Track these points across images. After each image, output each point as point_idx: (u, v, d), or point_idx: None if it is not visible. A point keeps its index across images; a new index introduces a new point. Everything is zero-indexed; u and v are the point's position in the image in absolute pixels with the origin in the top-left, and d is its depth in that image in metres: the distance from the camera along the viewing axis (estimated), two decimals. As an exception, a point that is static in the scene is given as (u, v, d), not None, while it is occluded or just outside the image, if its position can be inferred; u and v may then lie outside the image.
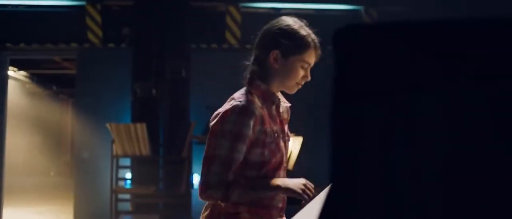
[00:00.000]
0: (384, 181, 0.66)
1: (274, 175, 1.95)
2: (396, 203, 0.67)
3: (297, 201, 1.93)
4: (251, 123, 1.86)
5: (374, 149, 0.67)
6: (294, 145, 5.65)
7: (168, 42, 6.29)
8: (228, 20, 6.79)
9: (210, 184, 1.83)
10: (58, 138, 14.34)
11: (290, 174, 5.85)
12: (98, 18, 6.76)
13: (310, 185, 1.94)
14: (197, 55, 6.66)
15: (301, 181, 1.93)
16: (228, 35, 6.81)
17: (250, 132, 1.86)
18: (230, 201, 1.85)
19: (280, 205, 2.01)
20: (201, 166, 1.88)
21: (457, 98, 0.68)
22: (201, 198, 1.88)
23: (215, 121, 1.89)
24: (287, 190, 1.91)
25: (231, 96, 1.95)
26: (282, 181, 1.93)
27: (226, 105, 1.91)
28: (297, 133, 5.70)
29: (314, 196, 1.94)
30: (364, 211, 0.67)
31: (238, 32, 6.72)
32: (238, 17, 6.75)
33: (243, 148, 1.86)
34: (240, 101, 1.87)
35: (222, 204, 1.90)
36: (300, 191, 1.89)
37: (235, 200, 1.86)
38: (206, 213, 1.98)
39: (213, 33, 6.90)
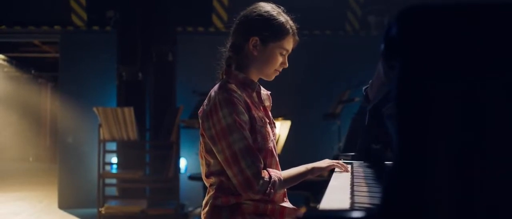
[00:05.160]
0: (450, 163, 0.65)
1: (271, 161, 1.95)
2: (464, 186, 0.66)
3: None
4: (242, 109, 1.84)
5: (441, 132, 0.66)
6: (282, 129, 5.64)
7: (154, 26, 6.21)
8: (215, 3, 6.72)
9: (253, 179, 1.79)
10: (37, 123, 14.13)
11: (278, 158, 5.79)
12: (82, 0, 6.64)
13: (336, 161, 2.00)
14: (184, 39, 6.59)
15: (326, 160, 1.99)
16: (214, 19, 6.75)
17: (247, 117, 1.85)
18: (274, 192, 1.85)
19: (282, 190, 2.01)
20: (227, 167, 1.84)
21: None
22: (248, 195, 1.82)
23: (209, 124, 1.85)
24: (314, 170, 1.94)
25: (209, 94, 1.92)
26: (309, 165, 1.97)
27: (210, 104, 1.87)
28: (285, 117, 5.70)
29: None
30: (432, 193, 0.66)
31: (225, 16, 6.67)
32: (225, 0, 6.69)
33: (249, 134, 1.85)
34: (222, 94, 1.85)
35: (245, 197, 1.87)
36: (328, 164, 1.94)
37: (276, 191, 1.87)
38: (207, 208, 1.94)
39: (200, 16, 6.83)
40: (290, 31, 1.96)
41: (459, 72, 0.67)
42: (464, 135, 0.67)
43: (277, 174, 1.86)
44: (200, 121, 1.92)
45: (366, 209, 0.74)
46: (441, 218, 0.66)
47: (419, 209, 0.66)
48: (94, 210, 5.71)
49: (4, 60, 11.32)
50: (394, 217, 0.66)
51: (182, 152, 5.91)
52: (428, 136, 0.67)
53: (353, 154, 2.49)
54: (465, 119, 0.67)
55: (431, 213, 0.65)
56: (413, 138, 0.68)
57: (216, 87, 1.92)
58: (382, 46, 0.86)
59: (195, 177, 5.80)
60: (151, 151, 6.19)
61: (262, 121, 1.92)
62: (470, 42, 0.67)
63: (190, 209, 6.02)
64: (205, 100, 1.92)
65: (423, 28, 0.68)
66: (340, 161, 2.03)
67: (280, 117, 5.63)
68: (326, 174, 4.63)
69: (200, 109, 1.93)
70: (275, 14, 1.95)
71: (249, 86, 1.96)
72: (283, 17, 1.97)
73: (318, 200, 4.96)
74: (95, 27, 6.74)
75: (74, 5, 6.65)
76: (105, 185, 5.61)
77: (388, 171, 0.72)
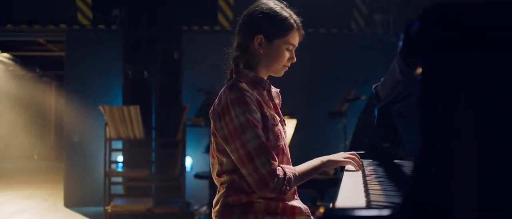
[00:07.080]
0: (475, 162, 0.65)
1: (283, 159, 1.95)
2: (488, 185, 0.66)
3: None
4: (254, 108, 1.84)
5: (466, 132, 0.65)
6: (288, 127, 5.62)
7: (159, 24, 6.21)
8: (220, 2, 6.72)
9: (268, 177, 1.79)
10: (41, 121, 14.17)
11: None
12: (88, -1, 6.66)
13: (354, 154, 1.99)
14: (189, 37, 6.59)
15: (342, 154, 1.98)
16: (220, 17, 6.75)
17: (259, 115, 1.85)
18: (289, 189, 1.85)
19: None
20: (241, 165, 1.83)
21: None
22: (264, 193, 1.82)
23: (221, 123, 1.84)
24: (329, 163, 1.95)
25: (220, 93, 1.91)
26: (323, 157, 1.97)
27: (221, 104, 1.86)
28: (290, 115, 5.69)
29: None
30: (456, 191, 0.66)
31: (230, 14, 6.67)
32: (230, -2, 6.70)
33: (262, 132, 1.85)
34: (234, 93, 1.84)
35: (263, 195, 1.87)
36: (343, 159, 1.94)
37: (292, 187, 1.88)
38: (218, 207, 1.94)
39: (205, 15, 6.83)
40: (294, 25, 1.95)
41: (485, 71, 0.66)
42: (490, 135, 0.67)
43: (291, 169, 1.86)
44: (212, 121, 1.91)
45: (390, 207, 0.74)
46: (465, 215, 0.66)
47: (443, 207, 0.66)
48: (100, 209, 5.72)
49: (9, 59, 11.35)
50: (419, 215, 0.66)
51: (188, 150, 5.91)
52: (453, 135, 0.67)
53: (362, 152, 2.48)
54: (491, 118, 0.67)
55: (456, 210, 0.65)
56: (438, 137, 0.67)
57: (227, 86, 1.91)
58: (400, 44, 0.86)
59: (201, 176, 5.80)
60: (157, 150, 6.19)
61: (274, 119, 1.92)
62: (497, 40, 0.67)
63: (196, 207, 6.03)
64: (216, 100, 1.92)
65: (448, 26, 0.68)
66: (354, 154, 2.02)
67: (286, 115, 5.62)
68: (331, 172, 4.59)
69: (211, 109, 1.93)
70: (278, 10, 1.94)
71: (260, 85, 1.96)
72: (286, 12, 1.95)
73: (325, 199, 4.93)
74: (101, 26, 6.75)
75: (80, 4, 6.66)
76: (111, 183, 5.62)
77: (411, 169, 0.72)
